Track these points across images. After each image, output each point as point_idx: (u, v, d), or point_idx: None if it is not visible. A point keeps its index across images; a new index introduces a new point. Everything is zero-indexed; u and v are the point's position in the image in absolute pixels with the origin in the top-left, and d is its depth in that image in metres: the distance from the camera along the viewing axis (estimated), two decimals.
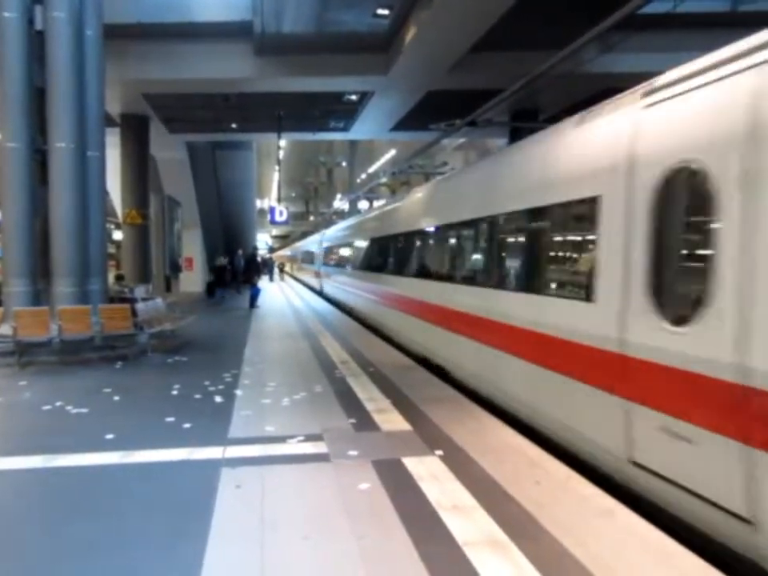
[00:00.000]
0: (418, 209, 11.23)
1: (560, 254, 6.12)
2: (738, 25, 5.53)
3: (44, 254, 10.36)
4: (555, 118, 7.00)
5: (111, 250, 32.84)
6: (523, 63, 11.66)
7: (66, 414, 6.50)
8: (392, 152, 40.03)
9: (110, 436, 5.61)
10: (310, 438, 5.50)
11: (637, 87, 4.73)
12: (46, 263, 10.36)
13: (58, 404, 6.85)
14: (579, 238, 5.68)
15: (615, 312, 4.53)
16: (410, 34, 13.13)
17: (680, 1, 8.02)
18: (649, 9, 6.54)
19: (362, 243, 16.86)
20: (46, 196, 10.31)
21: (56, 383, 8.21)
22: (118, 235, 30.12)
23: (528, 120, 15.36)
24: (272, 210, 25.33)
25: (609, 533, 3.61)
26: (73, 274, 10.26)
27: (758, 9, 11.96)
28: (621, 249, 4.51)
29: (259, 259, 25.88)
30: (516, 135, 15.52)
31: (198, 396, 7.24)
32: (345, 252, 20.15)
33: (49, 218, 10.29)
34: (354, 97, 17.94)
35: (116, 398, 7.21)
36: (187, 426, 5.97)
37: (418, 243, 10.91)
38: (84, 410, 6.61)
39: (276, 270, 41.80)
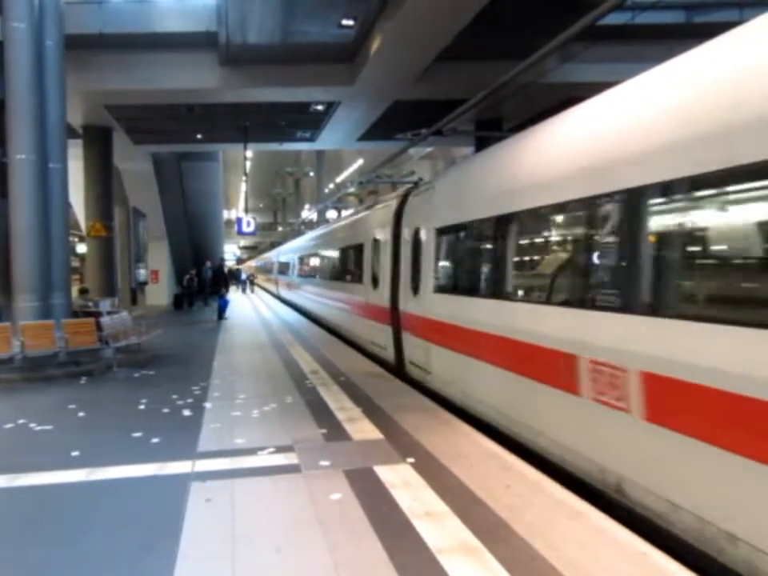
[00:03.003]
0: None
1: None
2: (692, 35, 5.73)
3: (5, 269, 10.11)
4: (519, 127, 7.11)
5: (75, 263, 32.25)
6: (487, 73, 11.82)
7: (30, 432, 6.34)
8: (359, 161, 40.23)
9: (75, 453, 5.48)
10: (280, 449, 5.46)
11: None
12: (7, 278, 10.10)
13: (21, 422, 6.67)
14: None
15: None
16: (375, 44, 13.21)
17: (637, 12, 8.25)
18: (608, 20, 6.70)
19: None
20: (6, 209, 10.06)
21: (19, 401, 7.99)
22: (81, 248, 29.55)
23: (493, 129, 15.54)
24: (239, 220, 25.11)
25: (579, 535, 3.65)
26: (35, 289, 9.99)
27: (710, 20, 12.44)
28: None
29: (226, 270, 25.66)
30: (481, 144, 15.70)
31: (166, 410, 7.13)
32: None
33: (9, 231, 10.04)
34: (320, 107, 17.96)
35: (81, 414, 7.05)
36: (155, 440, 5.87)
37: None
38: (48, 427, 6.45)
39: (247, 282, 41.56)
